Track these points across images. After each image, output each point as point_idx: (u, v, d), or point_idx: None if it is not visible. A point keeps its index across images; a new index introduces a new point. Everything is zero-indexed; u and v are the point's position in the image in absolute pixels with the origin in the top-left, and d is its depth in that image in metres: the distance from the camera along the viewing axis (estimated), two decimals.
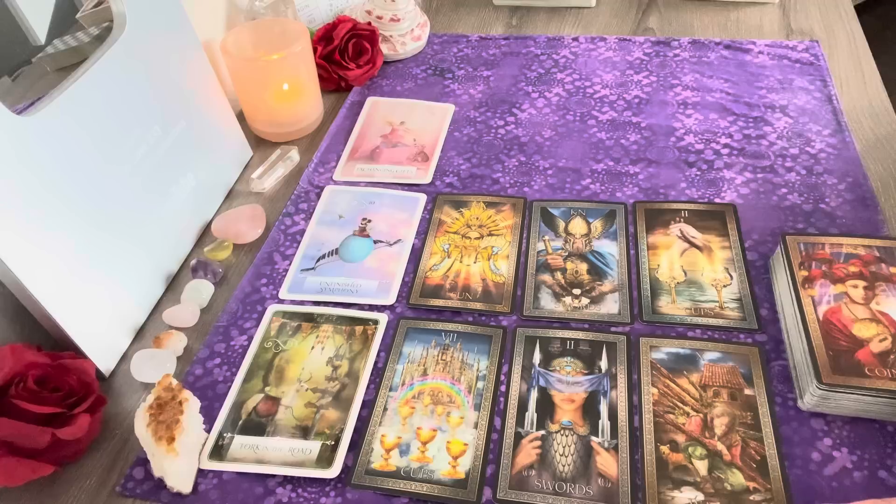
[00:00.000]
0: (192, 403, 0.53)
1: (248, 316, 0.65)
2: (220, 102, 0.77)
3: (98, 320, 0.60)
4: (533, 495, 0.51)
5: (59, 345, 0.58)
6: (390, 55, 0.95)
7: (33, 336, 0.58)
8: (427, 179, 0.78)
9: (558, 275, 0.66)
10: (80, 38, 0.67)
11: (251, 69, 0.79)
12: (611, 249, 0.68)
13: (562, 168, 0.78)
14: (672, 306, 0.62)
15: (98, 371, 0.59)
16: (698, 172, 0.75)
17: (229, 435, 0.56)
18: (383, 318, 0.64)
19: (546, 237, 0.70)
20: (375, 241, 0.71)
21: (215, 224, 0.73)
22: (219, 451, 0.55)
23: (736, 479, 0.50)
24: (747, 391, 0.55)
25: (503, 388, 0.58)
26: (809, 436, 0.53)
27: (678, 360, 0.58)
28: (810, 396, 0.53)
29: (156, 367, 0.60)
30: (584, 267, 0.67)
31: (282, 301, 0.66)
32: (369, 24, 0.92)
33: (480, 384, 0.58)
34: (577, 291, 0.64)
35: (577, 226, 0.71)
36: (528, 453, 0.53)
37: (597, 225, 0.70)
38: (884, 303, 0.56)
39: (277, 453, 0.54)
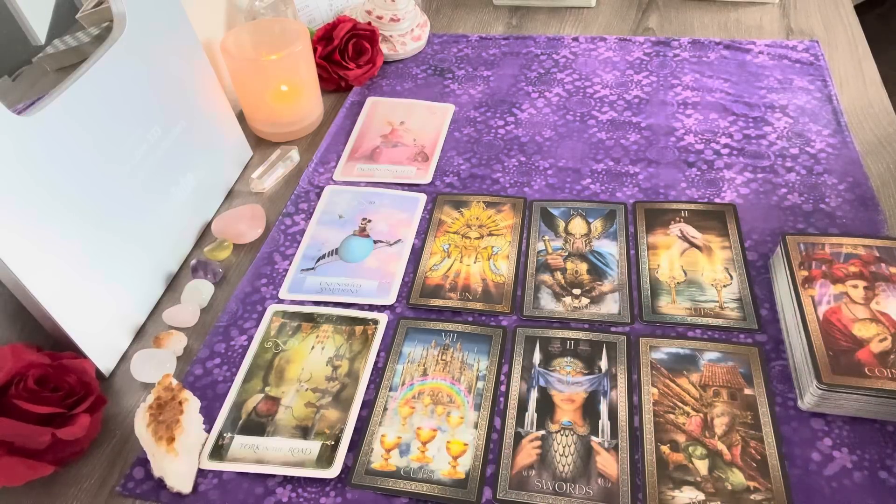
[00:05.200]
0: (192, 403, 0.53)
1: (248, 316, 0.65)
2: (220, 102, 0.77)
3: (98, 320, 0.60)
4: (533, 495, 0.51)
5: (59, 345, 0.58)
6: (390, 55, 0.95)
7: (33, 336, 0.58)
8: (427, 179, 0.78)
9: (558, 275, 0.66)
10: (80, 38, 0.67)
11: (251, 69, 0.79)
12: (611, 249, 0.68)
13: (562, 168, 0.78)
14: (672, 306, 0.62)
15: (98, 371, 0.60)
16: (698, 172, 0.75)
17: (229, 435, 0.56)
18: (383, 318, 0.64)
19: (546, 237, 0.70)
20: (375, 241, 0.71)
21: (215, 224, 0.73)
22: (219, 451, 0.55)
23: (736, 478, 0.50)
24: (747, 391, 0.55)
25: (503, 388, 0.58)
26: (809, 436, 0.53)
27: (678, 360, 0.58)
28: (810, 396, 0.53)
29: (156, 367, 0.60)
30: (584, 267, 0.67)
31: (282, 301, 0.66)
32: (369, 24, 0.92)
33: (480, 384, 0.58)
34: (577, 291, 0.64)
35: (577, 226, 0.71)
36: (528, 453, 0.53)
37: (597, 225, 0.70)
38: (884, 303, 0.56)
39: (277, 453, 0.54)
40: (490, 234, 0.71)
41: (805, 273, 0.59)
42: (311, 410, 0.57)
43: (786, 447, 0.52)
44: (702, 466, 0.51)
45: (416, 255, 0.70)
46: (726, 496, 0.50)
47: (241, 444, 0.55)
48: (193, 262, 0.69)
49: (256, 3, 0.87)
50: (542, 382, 0.58)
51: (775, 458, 0.51)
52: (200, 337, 0.64)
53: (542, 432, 0.54)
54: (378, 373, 0.60)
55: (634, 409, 0.55)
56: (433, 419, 0.56)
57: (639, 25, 1.00)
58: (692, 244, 0.68)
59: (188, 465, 0.53)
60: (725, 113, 0.82)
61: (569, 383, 0.57)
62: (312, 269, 0.69)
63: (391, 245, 0.70)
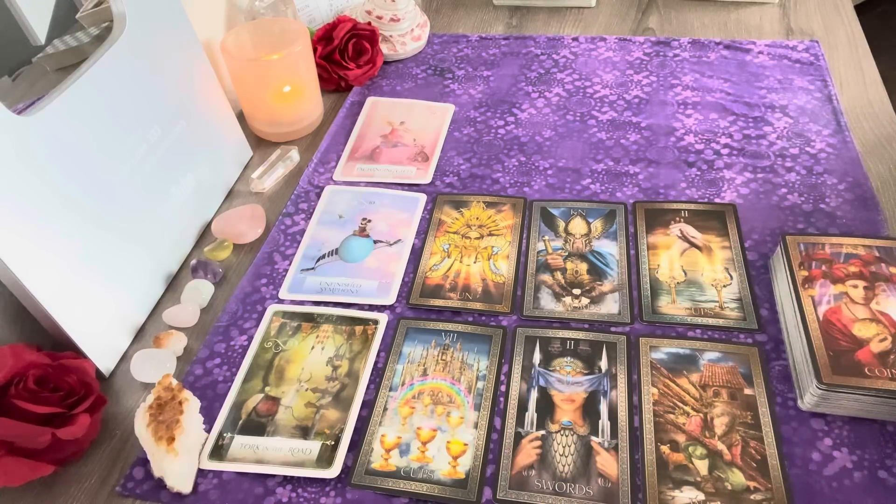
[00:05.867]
0: (192, 403, 0.53)
1: (248, 316, 0.65)
2: (220, 102, 0.77)
3: (98, 320, 0.60)
4: (533, 495, 0.51)
5: (59, 345, 0.58)
6: (390, 55, 0.95)
7: (33, 336, 0.58)
8: (427, 179, 0.78)
9: (558, 275, 0.66)
10: (80, 38, 0.67)
11: (251, 69, 0.79)
12: (611, 249, 0.68)
13: (562, 168, 0.78)
14: (672, 306, 0.62)
15: (98, 371, 0.60)
16: (698, 172, 0.75)
17: (229, 435, 0.56)
18: (383, 318, 0.64)
19: (546, 237, 0.70)
20: (375, 241, 0.71)
21: (215, 224, 0.73)
22: (219, 451, 0.55)
23: (736, 478, 0.50)
24: (747, 391, 0.55)
25: (503, 388, 0.58)
26: (809, 436, 0.53)
27: (678, 360, 0.58)
28: (810, 396, 0.53)
29: (156, 367, 0.60)
30: (584, 267, 0.67)
31: (282, 301, 0.66)
32: (369, 24, 0.92)
33: (480, 384, 0.58)
34: (577, 291, 0.64)
35: (577, 226, 0.71)
36: (528, 453, 0.53)
37: (597, 225, 0.70)
38: (884, 303, 0.56)
39: (277, 453, 0.54)
40: (490, 234, 0.71)
41: (805, 273, 0.59)
42: (311, 410, 0.57)
43: (786, 447, 0.52)
44: (702, 466, 0.51)
45: (416, 255, 0.70)
46: (726, 496, 0.50)
47: (241, 444, 0.55)
48: (193, 262, 0.69)
49: (256, 3, 0.87)
50: (542, 382, 0.58)
51: (775, 458, 0.51)
52: (200, 337, 0.64)
53: (542, 432, 0.54)
54: (378, 373, 0.60)
55: (634, 409, 0.55)
56: (433, 419, 0.56)
57: (639, 25, 1.00)
58: (692, 244, 0.68)
59: (188, 465, 0.53)
60: (725, 113, 0.82)
61: (569, 383, 0.57)
62: (312, 269, 0.69)
63: (391, 245, 0.70)
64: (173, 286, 0.69)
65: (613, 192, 0.74)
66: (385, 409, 0.57)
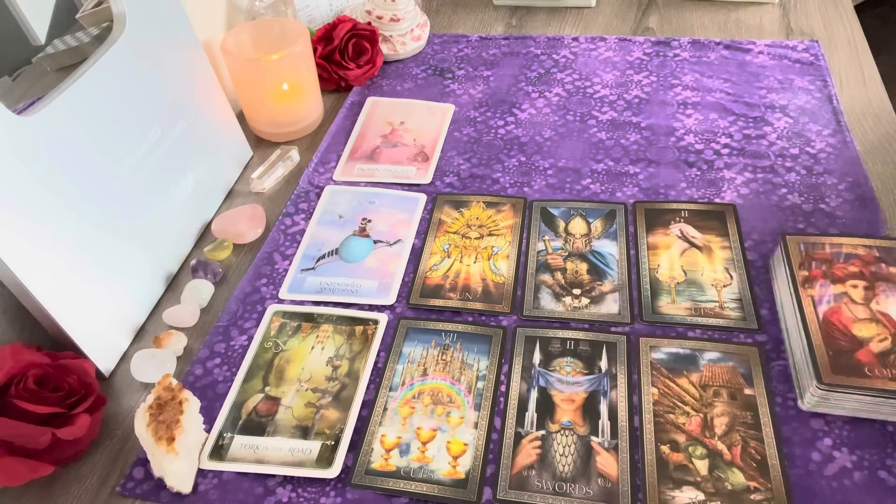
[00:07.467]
0: (192, 403, 0.53)
1: (248, 316, 0.65)
2: (220, 102, 0.77)
3: (98, 320, 0.60)
4: (533, 495, 0.51)
5: (59, 345, 0.58)
6: (390, 55, 0.95)
7: (33, 336, 0.58)
8: (427, 179, 0.78)
9: (558, 275, 0.66)
10: (80, 38, 0.67)
11: (251, 69, 0.79)
12: (611, 249, 0.68)
13: (562, 168, 0.78)
14: (672, 306, 0.62)
15: (98, 371, 0.60)
16: (698, 172, 0.75)
17: (229, 435, 0.56)
18: (383, 318, 0.64)
19: (546, 237, 0.70)
20: (375, 241, 0.71)
21: (215, 224, 0.73)
22: (219, 451, 0.55)
23: (736, 478, 0.50)
24: (747, 391, 0.55)
25: (503, 388, 0.58)
26: (809, 436, 0.53)
27: (678, 360, 0.58)
28: (810, 396, 0.53)
29: (156, 367, 0.60)
30: (584, 267, 0.67)
31: (282, 301, 0.66)
32: (369, 24, 0.92)
33: (480, 384, 0.58)
34: (577, 291, 0.64)
35: (577, 226, 0.71)
36: (528, 453, 0.53)
37: (597, 225, 0.70)
38: (884, 303, 0.56)
39: (277, 453, 0.54)
40: (490, 234, 0.71)
41: (805, 273, 0.59)
42: (311, 410, 0.57)
43: (786, 447, 0.52)
44: (702, 466, 0.51)
45: (416, 255, 0.70)
46: (726, 496, 0.50)
47: (241, 444, 0.55)
48: (193, 262, 0.69)
49: (256, 3, 0.87)
50: (542, 382, 0.58)
51: (775, 458, 0.51)
52: (200, 337, 0.64)
53: (542, 432, 0.54)
54: (378, 373, 0.60)
55: (634, 409, 0.55)
56: (433, 419, 0.56)
57: (639, 25, 1.00)
58: (692, 244, 0.68)
59: (188, 465, 0.53)
60: (725, 113, 0.82)
61: (569, 383, 0.57)
62: (312, 269, 0.69)
63: (391, 245, 0.70)
64: (173, 286, 0.69)
65: (613, 192, 0.74)
66: (385, 409, 0.57)
